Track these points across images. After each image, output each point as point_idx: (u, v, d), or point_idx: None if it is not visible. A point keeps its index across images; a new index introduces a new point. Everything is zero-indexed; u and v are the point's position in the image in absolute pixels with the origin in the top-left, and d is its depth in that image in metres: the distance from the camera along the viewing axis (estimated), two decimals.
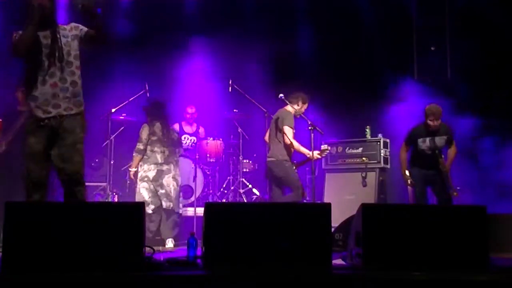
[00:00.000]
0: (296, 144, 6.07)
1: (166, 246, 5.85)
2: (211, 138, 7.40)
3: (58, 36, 3.85)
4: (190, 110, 7.62)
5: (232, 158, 7.75)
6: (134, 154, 6.09)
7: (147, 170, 6.01)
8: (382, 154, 7.23)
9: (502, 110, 7.30)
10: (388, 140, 7.44)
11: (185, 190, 6.96)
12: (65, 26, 3.94)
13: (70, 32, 3.92)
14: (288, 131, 6.02)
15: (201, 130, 7.70)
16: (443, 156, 6.09)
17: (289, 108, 6.18)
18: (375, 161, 7.15)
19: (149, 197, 5.96)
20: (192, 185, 6.82)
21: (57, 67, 3.82)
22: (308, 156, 6.07)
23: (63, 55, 3.84)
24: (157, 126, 6.10)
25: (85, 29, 3.94)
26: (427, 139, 6.10)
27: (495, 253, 3.84)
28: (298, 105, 6.22)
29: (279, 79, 7.99)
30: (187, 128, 7.67)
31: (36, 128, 3.82)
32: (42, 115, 3.79)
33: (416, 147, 6.15)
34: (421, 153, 6.12)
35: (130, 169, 6.24)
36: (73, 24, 3.98)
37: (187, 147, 7.52)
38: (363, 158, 7.13)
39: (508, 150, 7.17)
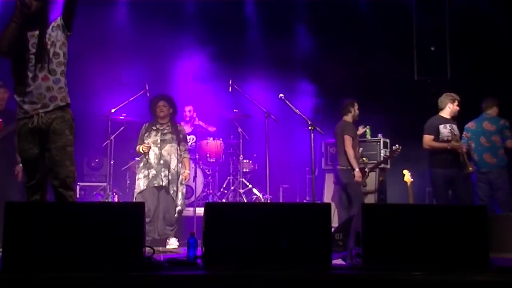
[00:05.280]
0: (350, 154, 6.47)
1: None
2: (211, 138, 7.40)
3: (47, 36, 3.85)
4: (188, 108, 7.62)
5: (232, 158, 7.75)
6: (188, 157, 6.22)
7: None
8: (382, 154, 7.23)
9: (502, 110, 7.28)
10: (388, 140, 7.44)
11: (185, 190, 6.96)
12: (52, 24, 3.94)
13: (54, 27, 3.91)
14: (348, 140, 6.51)
15: (211, 128, 7.71)
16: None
17: (346, 118, 6.68)
18: (375, 161, 7.15)
19: None
20: (192, 185, 6.82)
21: (45, 61, 3.81)
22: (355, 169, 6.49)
23: (49, 52, 3.83)
24: None
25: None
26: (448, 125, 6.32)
27: (495, 253, 3.84)
28: (351, 112, 6.68)
29: (280, 79, 8.00)
30: (186, 128, 7.66)
31: (27, 133, 3.82)
32: (32, 111, 3.79)
33: None
34: None
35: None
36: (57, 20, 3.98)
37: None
38: (363, 158, 7.13)
39: None
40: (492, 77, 7.69)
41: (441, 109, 6.37)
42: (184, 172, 6.04)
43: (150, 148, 5.88)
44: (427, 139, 6.28)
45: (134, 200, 5.88)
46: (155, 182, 5.83)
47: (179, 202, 5.95)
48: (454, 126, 6.30)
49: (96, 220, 3.25)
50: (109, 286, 2.96)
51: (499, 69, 7.77)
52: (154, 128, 6.00)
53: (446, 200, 6.19)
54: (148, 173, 5.85)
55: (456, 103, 6.34)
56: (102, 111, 6.71)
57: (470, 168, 6.27)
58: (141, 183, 5.85)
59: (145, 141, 5.93)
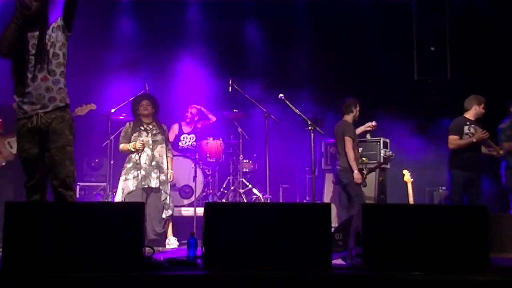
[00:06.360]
0: (351, 156, 6.38)
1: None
2: (211, 138, 7.40)
3: (47, 36, 3.86)
4: (190, 110, 7.62)
5: (232, 158, 7.74)
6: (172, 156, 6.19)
7: None
8: (382, 154, 7.23)
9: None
10: (388, 140, 7.44)
11: (185, 190, 6.96)
12: (53, 25, 3.94)
13: (54, 28, 3.91)
14: (348, 142, 6.41)
15: (211, 116, 7.70)
16: None
17: (347, 118, 6.61)
18: (375, 161, 7.15)
19: None
20: (192, 185, 6.81)
21: (45, 62, 3.82)
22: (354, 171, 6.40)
23: (49, 53, 3.83)
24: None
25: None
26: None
27: (495, 253, 3.84)
28: (352, 112, 6.62)
29: (280, 79, 8.00)
30: (186, 128, 7.66)
31: (27, 133, 3.82)
32: (31, 112, 3.80)
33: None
34: None
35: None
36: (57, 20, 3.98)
37: (187, 147, 7.51)
38: (363, 158, 7.13)
39: None
40: (492, 77, 7.69)
41: (467, 110, 6.37)
42: (169, 171, 6.05)
43: (144, 146, 5.87)
44: (452, 139, 6.27)
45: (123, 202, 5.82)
46: (144, 183, 5.82)
47: (171, 205, 5.96)
48: (478, 128, 6.29)
49: (96, 220, 3.25)
50: (109, 286, 2.96)
51: (499, 69, 7.77)
52: (142, 128, 5.97)
53: (461, 201, 6.19)
54: (138, 174, 5.84)
55: (482, 105, 6.33)
56: (102, 111, 6.71)
57: (501, 151, 6.31)
58: (130, 184, 5.83)
59: (139, 139, 5.90)
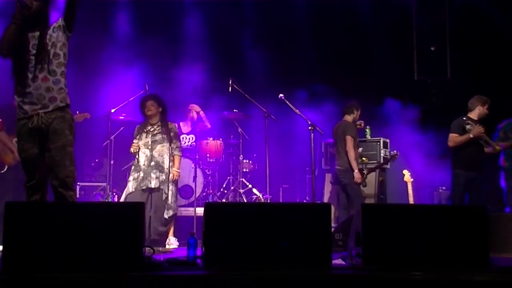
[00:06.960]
0: (352, 155, 6.42)
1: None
2: (211, 138, 7.40)
3: (47, 36, 3.85)
4: (191, 108, 7.61)
5: (232, 158, 7.75)
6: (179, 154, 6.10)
7: None
8: (382, 154, 7.23)
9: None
10: (388, 140, 7.44)
11: (185, 190, 6.96)
12: (54, 25, 3.93)
13: (55, 28, 3.91)
14: (349, 141, 6.46)
15: (207, 123, 7.69)
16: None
17: (348, 118, 6.69)
18: (375, 161, 7.15)
19: None
20: (192, 185, 6.81)
21: (45, 62, 3.81)
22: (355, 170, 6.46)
23: (49, 53, 3.83)
24: None
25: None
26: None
27: (495, 253, 3.84)
28: (353, 113, 6.71)
29: (280, 79, 8.00)
30: (185, 128, 7.66)
31: (27, 133, 3.82)
32: (32, 112, 3.80)
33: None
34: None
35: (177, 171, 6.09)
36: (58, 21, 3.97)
37: (186, 147, 7.51)
38: (363, 158, 7.13)
39: None
40: (492, 77, 7.69)
41: (470, 110, 6.36)
42: (173, 170, 6.02)
43: (139, 148, 5.90)
44: (452, 137, 6.27)
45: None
46: (142, 184, 5.83)
47: (172, 205, 5.94)
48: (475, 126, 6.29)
49: (96, 220, 3.25)
50: (109, 286, 2.96)
51: (499, 69, 7.77)
52: (145, 130, 6.01)
53: (461, 200, 6.19)
54: (138, 176, 5.86)
55: (486, 106, 6.32)
56: (102, 111, 6.71)
57: (497, 147, 6.32)
58: (130, 186, 5.87)
59: (134, 142, 5.96)
